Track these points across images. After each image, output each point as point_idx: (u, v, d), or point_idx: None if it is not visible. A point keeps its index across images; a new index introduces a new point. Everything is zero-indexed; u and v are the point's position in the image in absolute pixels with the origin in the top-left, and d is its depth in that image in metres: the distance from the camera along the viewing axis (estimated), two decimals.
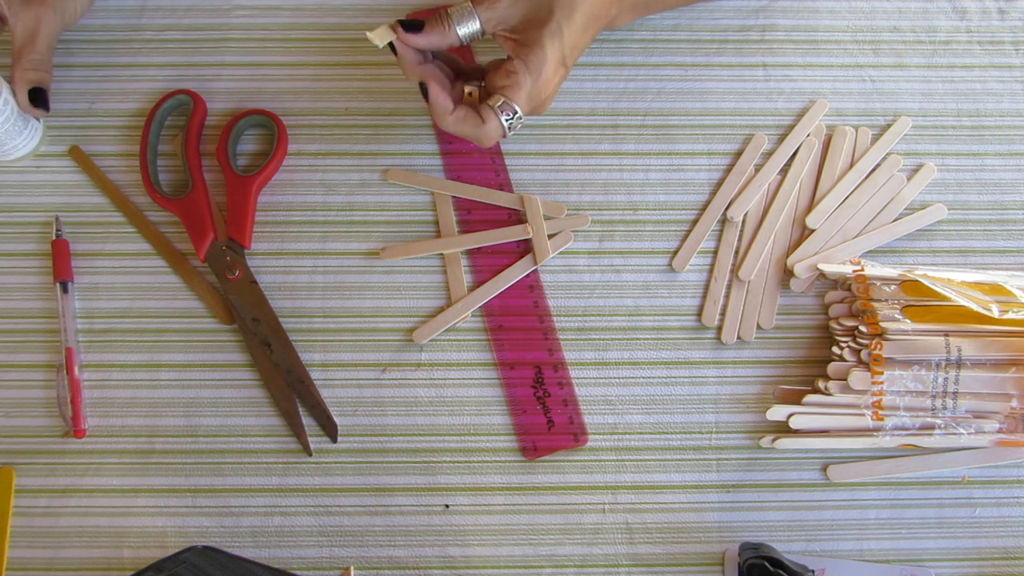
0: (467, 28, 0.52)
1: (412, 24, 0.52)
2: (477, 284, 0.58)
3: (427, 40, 0.52)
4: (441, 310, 0.57)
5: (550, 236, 0.59)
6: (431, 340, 0.57)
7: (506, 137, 0.54)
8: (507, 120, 0.52)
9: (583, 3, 0.52)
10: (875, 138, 0.61)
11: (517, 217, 0.59)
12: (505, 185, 0.60)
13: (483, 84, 0.54)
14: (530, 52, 0.52)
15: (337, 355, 0.56)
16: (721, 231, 0.59)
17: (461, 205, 0.59)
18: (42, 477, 0.54)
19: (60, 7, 0.57)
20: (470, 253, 0.58)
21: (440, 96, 0.52)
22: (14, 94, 0.56)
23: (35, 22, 0.56)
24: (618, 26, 0.59)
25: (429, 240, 0.58)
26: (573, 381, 0.56)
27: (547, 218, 0.59)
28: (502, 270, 0.58)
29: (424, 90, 0.52)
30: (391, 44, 0.52)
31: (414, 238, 0.59)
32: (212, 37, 0.62)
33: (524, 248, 0.59)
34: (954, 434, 0.54)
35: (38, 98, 0.57)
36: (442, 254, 0.58)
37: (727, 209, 0.59)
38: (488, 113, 0.52)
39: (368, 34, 0.52)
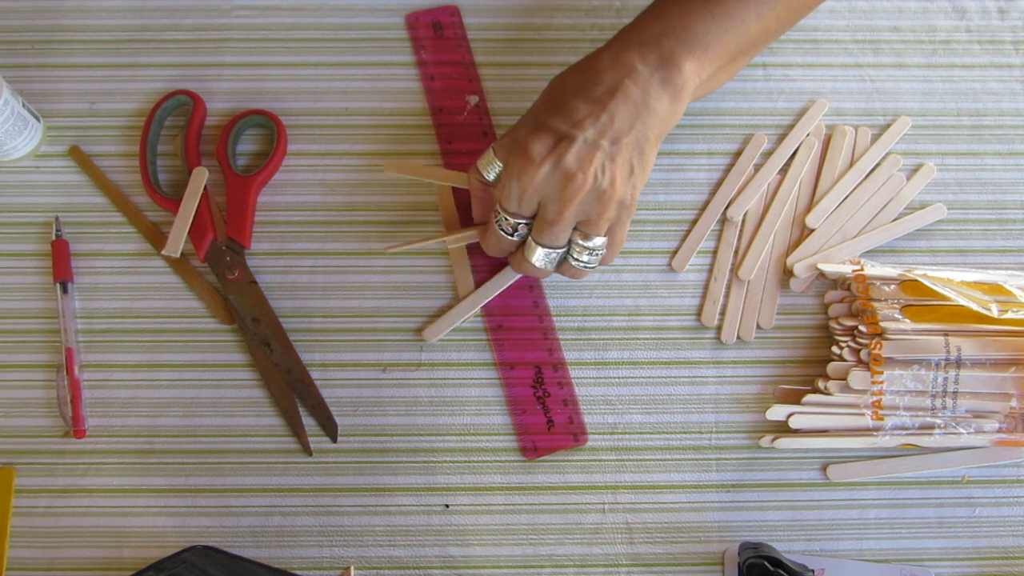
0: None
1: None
2: (477, 284, 0.58)
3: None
4: (446, 309, 0.57)
5: None
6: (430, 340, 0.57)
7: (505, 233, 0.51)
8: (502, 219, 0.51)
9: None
10: (875, 138, 0.61)
11: None
12: None
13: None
14: None
15: (337, 355, 0.56)
16: (721, 231, 0.59)
17: (462, 205, 0.59)
18: (42, 477, 0.54)
19: None
20: (470, 253, 0.58)
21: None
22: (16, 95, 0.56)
23: None
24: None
25: (431, 228, 0.57)
26: (573, 381, 0.56)
27: None
28: (502, 269, 0.58)
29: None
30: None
31: (414, 238, 0.58)
32: (212, 37, 0.62)
33: None
34: (954, 434, 0.54)
35: None
36: (447, 253, 0.58)
37: (727, 209, 0.59)
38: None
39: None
